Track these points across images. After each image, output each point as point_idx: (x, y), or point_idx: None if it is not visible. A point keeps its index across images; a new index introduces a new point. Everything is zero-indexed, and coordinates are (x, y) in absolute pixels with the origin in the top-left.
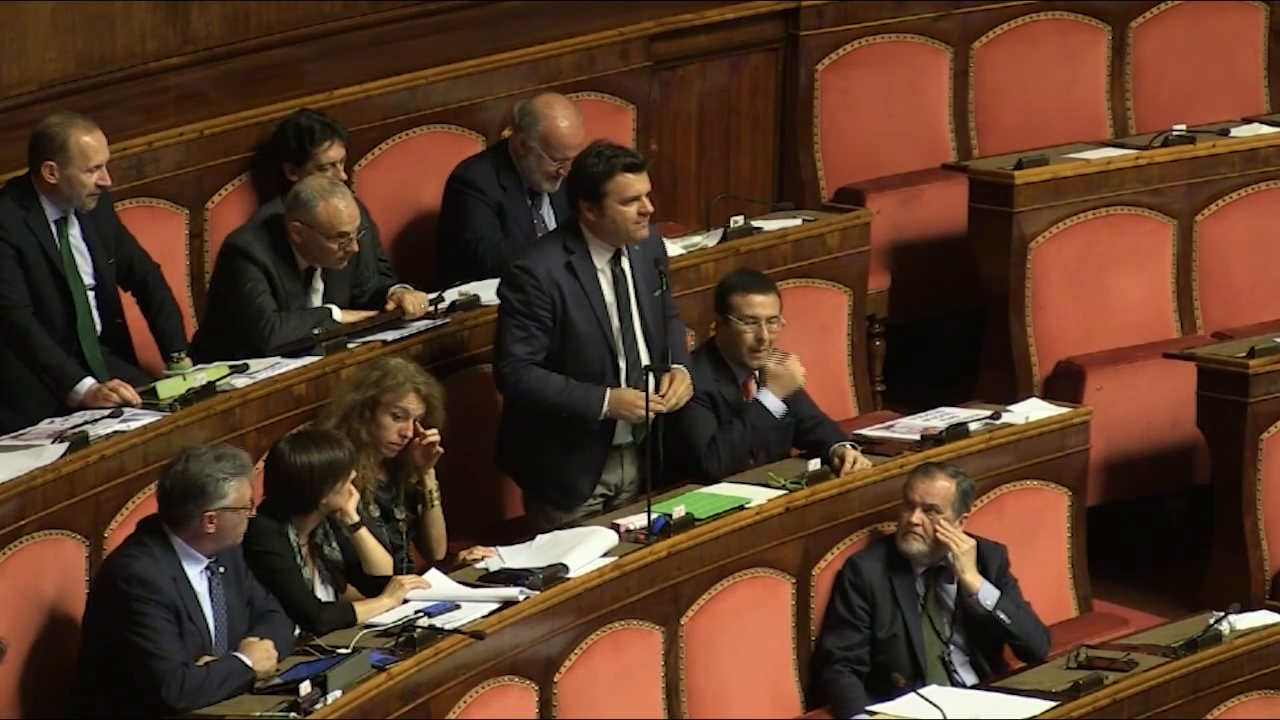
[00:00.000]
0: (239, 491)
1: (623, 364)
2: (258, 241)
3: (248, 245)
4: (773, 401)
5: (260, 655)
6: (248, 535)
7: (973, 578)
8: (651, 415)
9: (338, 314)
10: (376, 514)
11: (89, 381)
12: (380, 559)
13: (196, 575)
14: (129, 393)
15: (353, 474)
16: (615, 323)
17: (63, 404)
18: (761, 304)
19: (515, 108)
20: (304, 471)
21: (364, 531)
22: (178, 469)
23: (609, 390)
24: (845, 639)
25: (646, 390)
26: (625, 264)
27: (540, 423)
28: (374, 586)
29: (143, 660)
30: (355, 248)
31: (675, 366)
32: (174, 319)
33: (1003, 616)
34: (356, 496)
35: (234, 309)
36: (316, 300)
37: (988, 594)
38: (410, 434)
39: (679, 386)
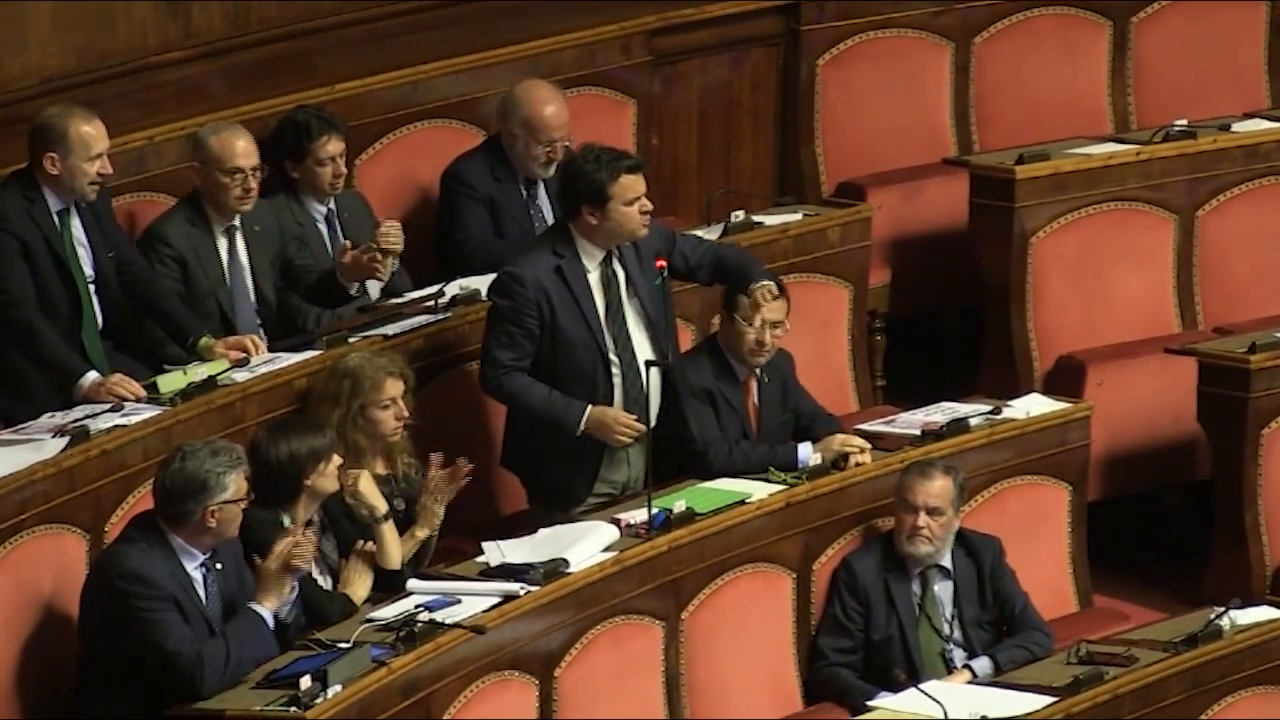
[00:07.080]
0: (238, 484)
1: (615, 367)
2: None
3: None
4: (806, 455)
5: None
6: (245, 528)
7: None
8: (628, 442)
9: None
10: None
11: (92, 375)
12: (396, 553)
13: (194, 571)
14: (133, 387)
15: (335, 458)
16: (605, 325)
17: (67, 398)
18: (768, 308)
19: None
20: (283, 460)
21: (389, 525)
22: (175, 467)
23: (590, 407)
24: (839, 642)
25: (647, 389)
26: (616, 264)
27: (538, 425)
28: (382, 582)
29: (163, 657)
30: (254, 185)
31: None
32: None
33: (1007, 670)
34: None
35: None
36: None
37: (983, 669)
38: (405, 413)
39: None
